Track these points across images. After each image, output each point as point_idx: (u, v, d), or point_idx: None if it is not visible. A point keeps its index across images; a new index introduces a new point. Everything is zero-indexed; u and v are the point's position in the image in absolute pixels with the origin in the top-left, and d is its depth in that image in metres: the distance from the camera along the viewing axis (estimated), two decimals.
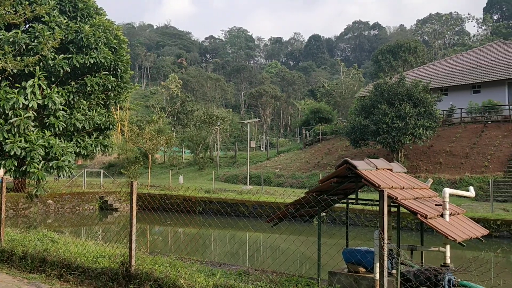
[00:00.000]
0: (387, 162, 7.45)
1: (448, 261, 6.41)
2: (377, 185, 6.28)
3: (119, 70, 18.41)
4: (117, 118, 47.84)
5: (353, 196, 7.63)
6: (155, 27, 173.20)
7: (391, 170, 7.37)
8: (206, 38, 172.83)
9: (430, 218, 6.10)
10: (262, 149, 60.13)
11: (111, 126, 20.67)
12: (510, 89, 35.47)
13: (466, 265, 6.09)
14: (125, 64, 20.01)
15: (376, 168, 6.95)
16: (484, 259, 14.27)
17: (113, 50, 19.23)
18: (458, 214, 6.94)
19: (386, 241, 5.39)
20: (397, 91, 29.74)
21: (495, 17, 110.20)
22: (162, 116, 55.01)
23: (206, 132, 47.33)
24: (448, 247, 6.44)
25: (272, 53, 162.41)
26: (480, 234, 6.62)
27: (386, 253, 5.38)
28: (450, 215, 6.56)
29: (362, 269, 6.89)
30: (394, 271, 6.83)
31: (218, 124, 45.87)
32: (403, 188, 6.79)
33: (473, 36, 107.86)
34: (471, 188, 7.33)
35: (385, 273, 5.34)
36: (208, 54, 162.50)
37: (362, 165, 6.69)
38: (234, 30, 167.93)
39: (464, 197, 8.72)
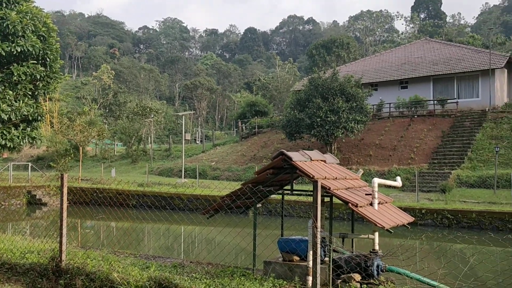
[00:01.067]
0: (321, 154, 7.66)
1: (377, 247, 6.71)
2: (311, 176, 6.45)
3: (48, 59, 17.62)
4: (46, 109, 45.88)
5: (289, 187, 7.78)
6: (86, 16, 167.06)
7: (324, 161, 7.59)
8: (140, 28, 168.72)
9: (361, 206, 6.35)
10: (197, 142, 59.80)
11: (39, 118, 19.81)
12: (435, 85, 37.37)
13: (393, 251, 6.41)
14: (55, 53, 19.21)
15: (311, 160, 7.13)
16: (410, 245, 15.00)
17: (41, 38, 18.36)
18: (386, 202, 7.27)
19: (319, 230, 5.57)
20: (331, 86, 30.51)
21: (422, 16, 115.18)
22: (93, 108, 53.30)
23: (139, 124, 46.40)
24: (376, 234, 6.74)
25: (208, 44, 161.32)
26: (406, 221, 6.98)
27: (319, 241, 5.56)
28: (379, 203, 6.87)
29: (296, 258, 7.06)
30: (326, 259, 7.06)
31: (152, 116, 45.06)
32: (336, 178, 7.02)
33: (402, 34, 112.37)
34: (398, 178, 7.71)
35: (318, 261, 5.52)
36: (141, 45, 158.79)
37: (297, 157, 6.84)
38: (168, 20, 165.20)
39: (392, 186, 9.12)
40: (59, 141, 42.14)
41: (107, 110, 73.46)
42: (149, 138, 48.33)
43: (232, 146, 40.85)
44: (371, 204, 6.70)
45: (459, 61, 37.20)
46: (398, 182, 7.55)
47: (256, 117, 44.17)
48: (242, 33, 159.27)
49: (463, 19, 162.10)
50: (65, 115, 48.92)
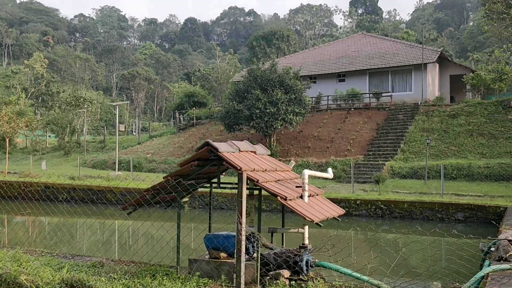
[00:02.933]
0: (251, 145, 7.32)
1: (307, 241, 6.46)
2: (238, 168, 6.08)
3: None
4: None
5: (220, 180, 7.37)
6: (18, 1, 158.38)
7: (254, 152, 7.26)
8: (75, 16, 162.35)
9: (290, 199, 6.07)
10: (134, 133, 58.23)
11: None
12: (371, 78, 38.13)
13: (323, 245, 6.17)
14: None
15: (239, 151, 6.77)
16: (343, 237, 15.02)
17: None
18: (317, 195, 7.04)
19: (243, 225, 5.22)
20: (270, 77, 30.37)
21: (360, 11, 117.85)
22: (22, 97, 50.50)
23: (73, 115, 44.43)
24: (306, 228, 6.49)
25: (147, 34, 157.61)
26: (336, 214, 6.78)
27: (243, 238, 5.21)
28: (309, 196, 6.62)
29: (223, 254, 6.70)
30: (256, 255, 6.76)
31: (85, 106, 43.20)
32: (265, 170, 6.69)
33: (340, 28, 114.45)
34: (329, 169, 7.50)
35: (242, 258, 5.17)
36: (77, 33, 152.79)
37: (224, 147, 6.45)
38: (106, 9, 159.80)
39: (324, 178, 8.95)
40: None
41: (40, 100, 70.01)
42: (83, 129, 46.44)
43: (169, 138, 39.94)
44: (301, 197, 6.44)
45: (394, 56, 38.12)
46: (329, 174, 7.34)
47: (194, 108, 43.42)
48: (182, 23, 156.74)
49: (399, 15, 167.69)
50: None
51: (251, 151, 7.16)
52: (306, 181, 6.43)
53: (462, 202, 18.65)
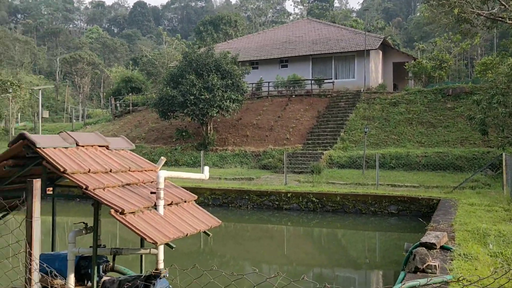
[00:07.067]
0: (102, 137, 5.75)
1: (161, 266, 4.98)
2: (62, 170, 4.53)
3: None
4: None
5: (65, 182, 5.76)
6: None
7: (106, 147, 5.69)
8: None
9: (131, 212, 4.56)
10: (74, 120, 55.25)
11: None
12: (314, 64, 37.00)
13: (178, 269, 4.72)
14: None
15: (77, 145, 5.19)
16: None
17: None
18: (185, 202, 5.55)
19: (35, 258, 3.68)
20: (206, 62, 28.70)
21: None
22: None
23: (2, 99, 41.19)
24: (161, 248, 5.00)
25: (94, 17, 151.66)
26: (206, 227, 5.31)
27: (35, 273, 3.68)
28: (170, 205, 5.14)
29: (59, 282, 5.15)
30: (105, 278, 5.28)
31: (10, 91, 40.00)
32: (110, 171, 5.15)
33: (291, 15, 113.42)
34: (206, 168, 6.04)
35: None
36: (19, 14, 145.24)
37: (50, 141, 4.86)
38: None
39: (197, 179, 7.50)
40: None
41: None
42: (13, 115, 43.26)
43: (103, 126, 37.60)
44: (155, 207, 4.95)
45: (337, 42, 37.13)
46: (205, 174, 5.86)
47: (131, 94, 41.14)
48: (131, 7, 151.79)
49: (349, 3, 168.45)
50: None
51: (102, 145, 5.59)
52: (162, 185, 4.92)
53: (396, 194, 17.74)
